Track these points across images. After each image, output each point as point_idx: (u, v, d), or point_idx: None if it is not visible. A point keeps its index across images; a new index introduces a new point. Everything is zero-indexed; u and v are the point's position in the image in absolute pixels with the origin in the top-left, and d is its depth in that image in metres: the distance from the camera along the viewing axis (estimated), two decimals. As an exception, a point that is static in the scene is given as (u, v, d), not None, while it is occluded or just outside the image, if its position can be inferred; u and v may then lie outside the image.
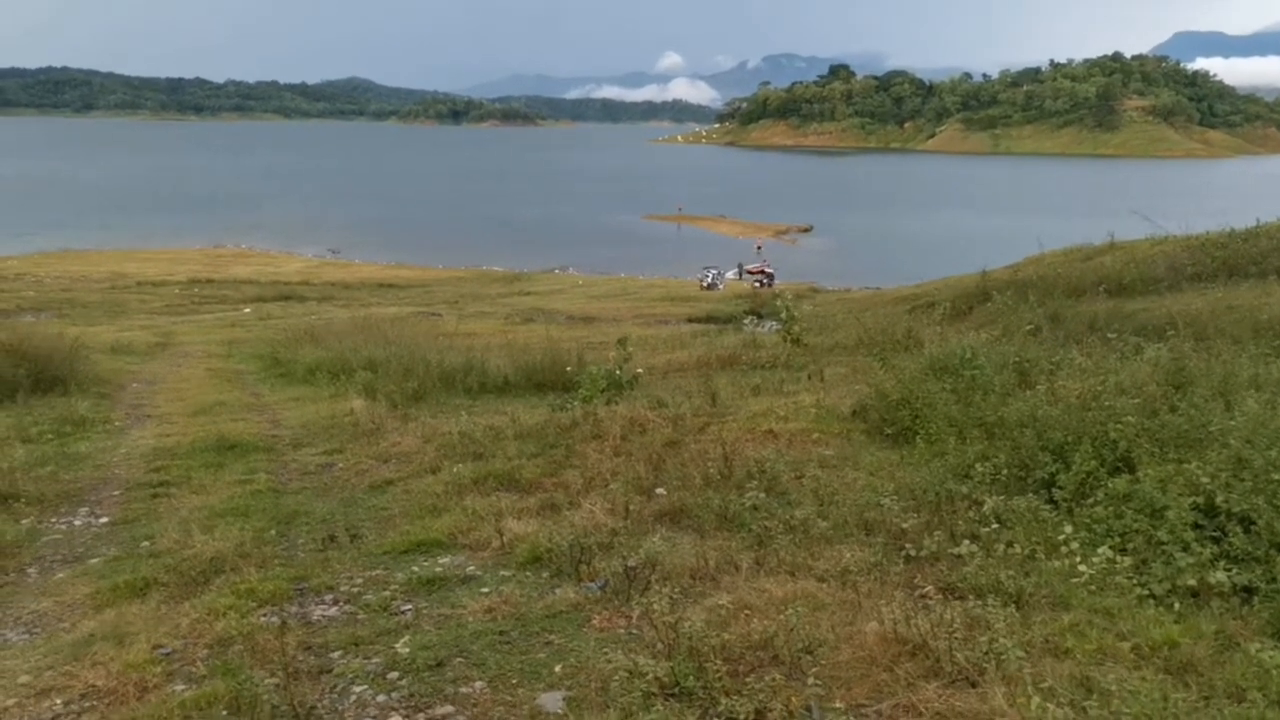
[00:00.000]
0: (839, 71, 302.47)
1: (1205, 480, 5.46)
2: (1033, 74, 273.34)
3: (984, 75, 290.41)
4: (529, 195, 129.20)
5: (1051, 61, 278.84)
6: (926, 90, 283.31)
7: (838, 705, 4.11)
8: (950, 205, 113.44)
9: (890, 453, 7.70)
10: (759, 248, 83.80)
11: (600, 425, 9.22)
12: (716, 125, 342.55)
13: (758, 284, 54.75)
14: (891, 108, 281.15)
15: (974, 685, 4.11)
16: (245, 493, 8.33)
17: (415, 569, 6.14)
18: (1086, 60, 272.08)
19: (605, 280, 63.02)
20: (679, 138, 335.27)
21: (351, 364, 15.35)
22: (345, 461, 9.47)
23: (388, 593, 5.76)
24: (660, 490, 7.26)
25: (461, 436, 9.46)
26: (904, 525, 5.88)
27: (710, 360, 15.91)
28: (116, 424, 12.10)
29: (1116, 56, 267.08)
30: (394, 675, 4.71)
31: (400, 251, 78.10)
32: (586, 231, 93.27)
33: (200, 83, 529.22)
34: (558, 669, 4.61)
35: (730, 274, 58.19)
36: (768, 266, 60.29)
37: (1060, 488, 6.10)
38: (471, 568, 6.10)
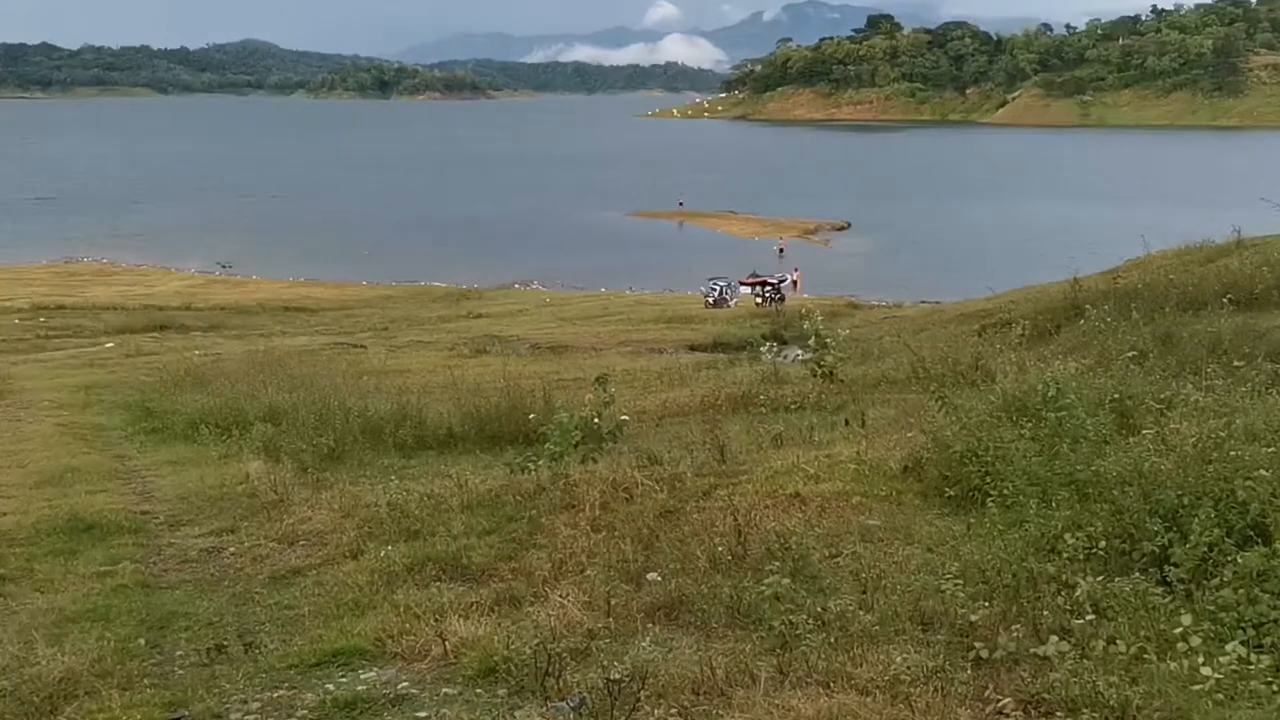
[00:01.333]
0: (880, 23, 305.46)
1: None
2: (1130, 24, 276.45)
3: (1067, 27, 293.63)
4: (479, 189, 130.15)
5: (1154, 8, 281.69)
6: (994, 46, 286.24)
7: None
8: (1029, 194, 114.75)
9: (953, 521, 7.72)
10: (781, 251, 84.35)
11: (574, 491, 9.22)
12: (723, 95, 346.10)
13: (761, 299, 54.93)
14: (949, 69, 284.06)
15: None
16: (106, 589, 8.26)
17: (330, 687, 6.11)
18: (1200, 5, 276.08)
19: (581, 297, 63.26)
20: (675, 111, 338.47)
21: (247, 414, 15.33)
22: (238, 545, 9.43)
23: (294, 720, 5.73)
24: (653, 576, 7.25)
25: (391, 509, 9.46)
26: (972, 618, 5.89)
27: (718, 401, 15.93)
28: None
29: (1238, 1, 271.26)
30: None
31: (311, 265, 78.51)
32: (555, 234, 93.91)
33: (47, 49, 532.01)
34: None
35: (744, 288, 58.50)
36: (778, 275, 60.44)
37: (1175, 565, 6.12)
38: (405, 684, 6.08)
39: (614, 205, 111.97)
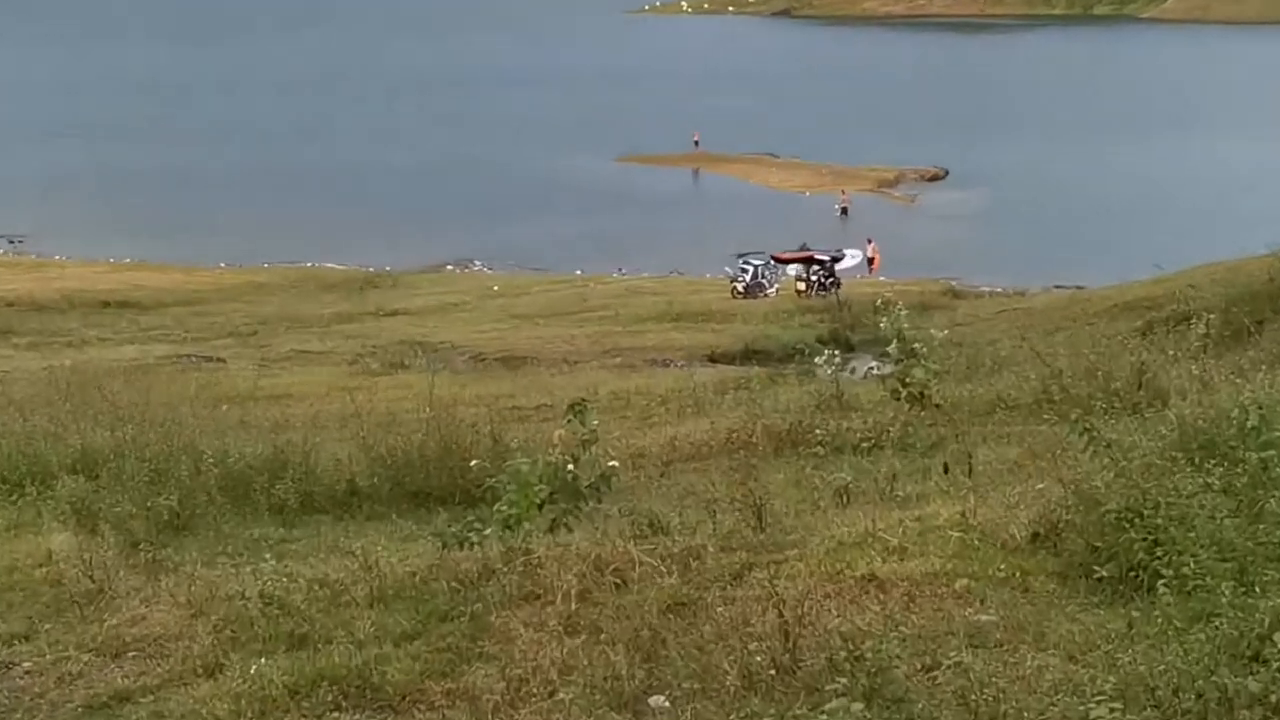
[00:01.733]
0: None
1: None
2: None
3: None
4: (393, 124, 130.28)
5: None
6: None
7: None
8: (1215, 126, 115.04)
9: (1106, 615, 7.74)
10: (843, 211, 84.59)
11: (538, 574, 9.23)
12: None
13: (806, 284, 54.97)
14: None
15: None
16: None
17: None
18: None
19: (546, 283, 63.36)
20: (684, 4, 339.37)
21: (49, 463, 15.25)
22: (37, 658, 9.37)
23: None
24: (658, 701, 7.24)
25: (266, 603, 9.42)
26: (1139, 761, 5.88)
27: (753, 438, 15.88)
28: None
29: None
30: None
31: (144, 238, 78.74)
32: (508, 190, 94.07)
33: None
34: None
35: (791, 267, 58.49)
36: (834, 250, 60.04)
37: None
38: None
39: (594, 147, 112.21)
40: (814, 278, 55.52)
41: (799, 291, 54.40)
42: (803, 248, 63.66)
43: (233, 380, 30.36)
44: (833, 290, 53.16)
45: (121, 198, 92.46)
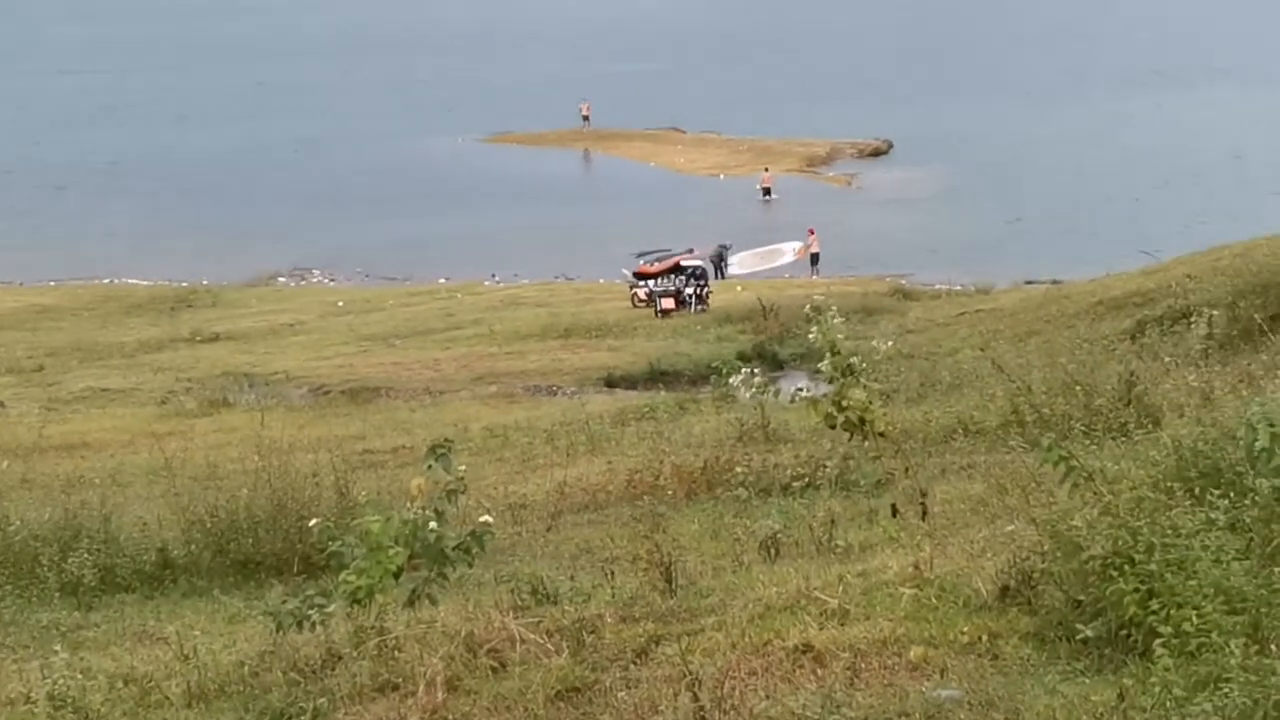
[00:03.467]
0: None
1: None
2: None
3: None
4: (206, 99, 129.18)
5: None
6: None
7: None
8: (1210, 78, 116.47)
9: (1093, 684, 7.78)
10: (766, 193, 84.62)
11: (396, 659, 9.19)
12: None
13: (662, 300, 53.52)
14: None
15: None
16: None
17: None
18: None
19: (401, 295, 63.03)
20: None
21: None
22: None
23: None
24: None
25: (57, 706, 9.30)
26: None
27: (659, 480, 15.90)
28: None
29: None
30: None
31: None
32: (350, 181, 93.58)
33: None
34: None
35: (697, 263, 57.83)
36: (696, 253, 58.56)
37: None
38: None
39: (455, 123, 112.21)
40: (685, 291, 53.93)
41: (651, 307, 53.31)
42: (721, 248, 63.82)
43: (12, 429, 30.00)
44: (691, 302, 52.40)
45: None
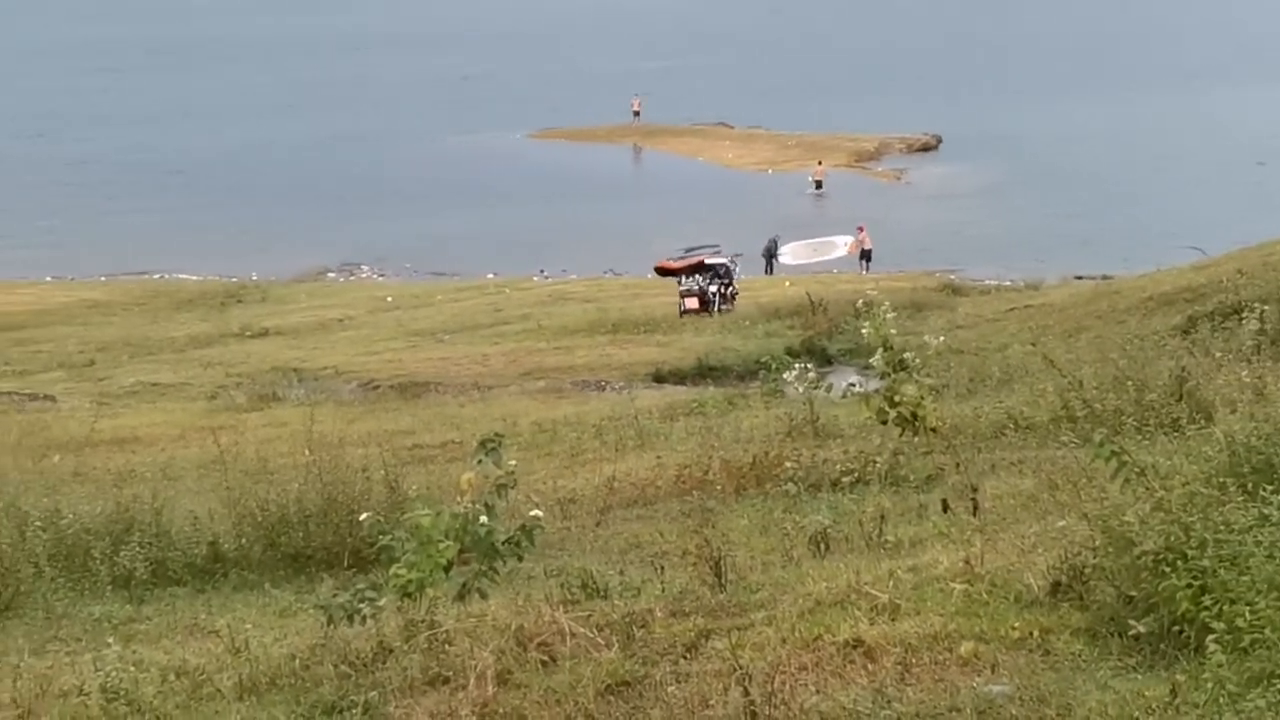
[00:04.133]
0: None
1: None
2: None
3: None
4: (258, 95, 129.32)
5: None
6: None
7: None
8: (1265, 76, 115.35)
9: (1145, 680, 7.75)
10: (818, 184, 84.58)
11: (446, 653, 9.20)
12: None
13: (694, 298, 52.41)
14: None
15: None
16: None
17: None
18: None
19: (450, 290, 63.01)
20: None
21: None
22: None
23: None
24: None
25: (109, 698, 9.32)
26: None
27: (708, 475, 15.84)
28: None
29: None
30: None
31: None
32: (401, 178, 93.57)
33: None
34: None
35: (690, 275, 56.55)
36: (722, 252, 56.34)
37: None
38: None
39: (504, 120, 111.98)
40: (709, 290, 52.71)
41: (685, 311, 52.78)
42: (773, 240, 63.65)
43: (64, 423, 30.07)
44: (715, 305, 51.30)
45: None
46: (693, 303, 51.91)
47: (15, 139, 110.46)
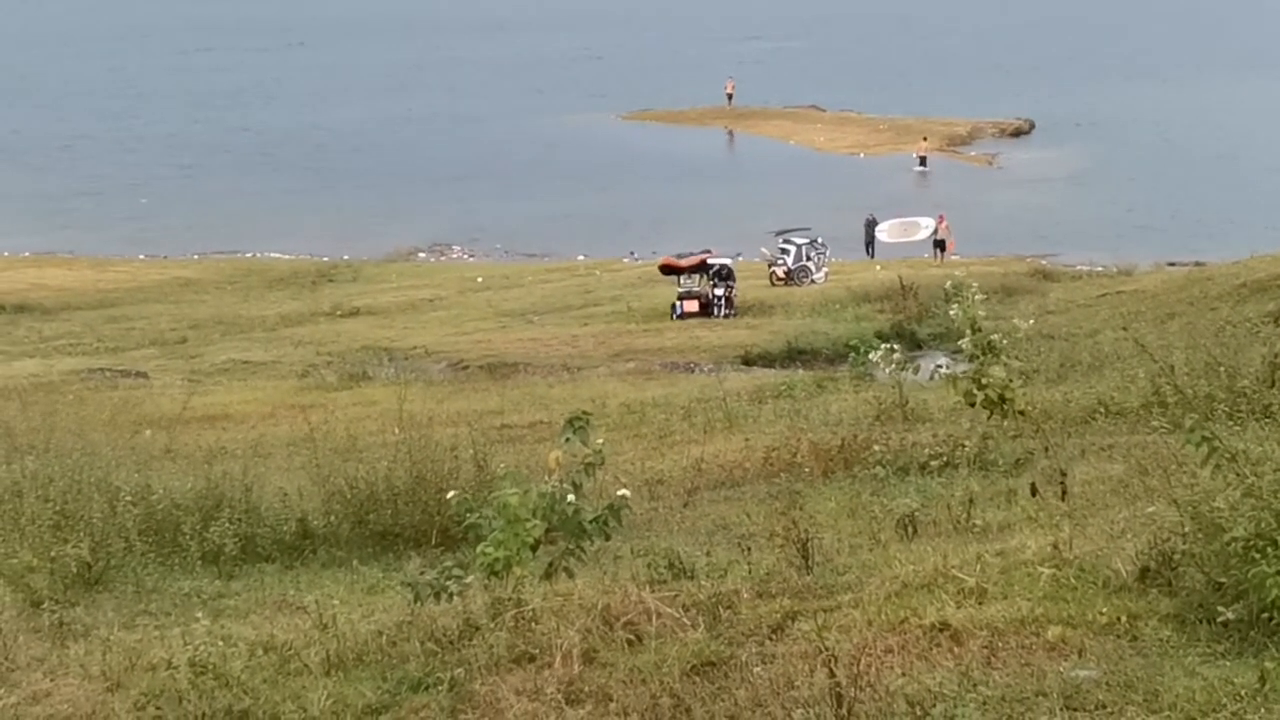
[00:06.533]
0: None
1: None
2: None
3: None
4: (348, 76, 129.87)
5: None
6: None
7: None
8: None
9: (1234, 666, 7.71)
10: (922, 160, 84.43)
11: (533, 631, 9.22)
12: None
13: (706, 298, 50.24)
14: None
15: None
16: None
17: None
18: None
19: (540, 272, 63.21)
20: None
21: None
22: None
23: None
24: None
25: (198, 672, 9.38)
26: None
27: (796, 457, 15.86)
28: None
29: None
30: None
31: (43, 227, 78.22)
32: (488, 157, 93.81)
33: None
34: None
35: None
36: (725, 253, 53.58)
37: None
38: None
39: (594, 102, 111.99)
40: (713, 294, 50.45)
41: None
42: (870, 219, 63.44)
43: (156, 400, 30.28)
44: (726, 305, 49.64)
45: (10, 176, 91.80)
46: (691, 305, 50.03)
47: (109, 119, 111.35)
